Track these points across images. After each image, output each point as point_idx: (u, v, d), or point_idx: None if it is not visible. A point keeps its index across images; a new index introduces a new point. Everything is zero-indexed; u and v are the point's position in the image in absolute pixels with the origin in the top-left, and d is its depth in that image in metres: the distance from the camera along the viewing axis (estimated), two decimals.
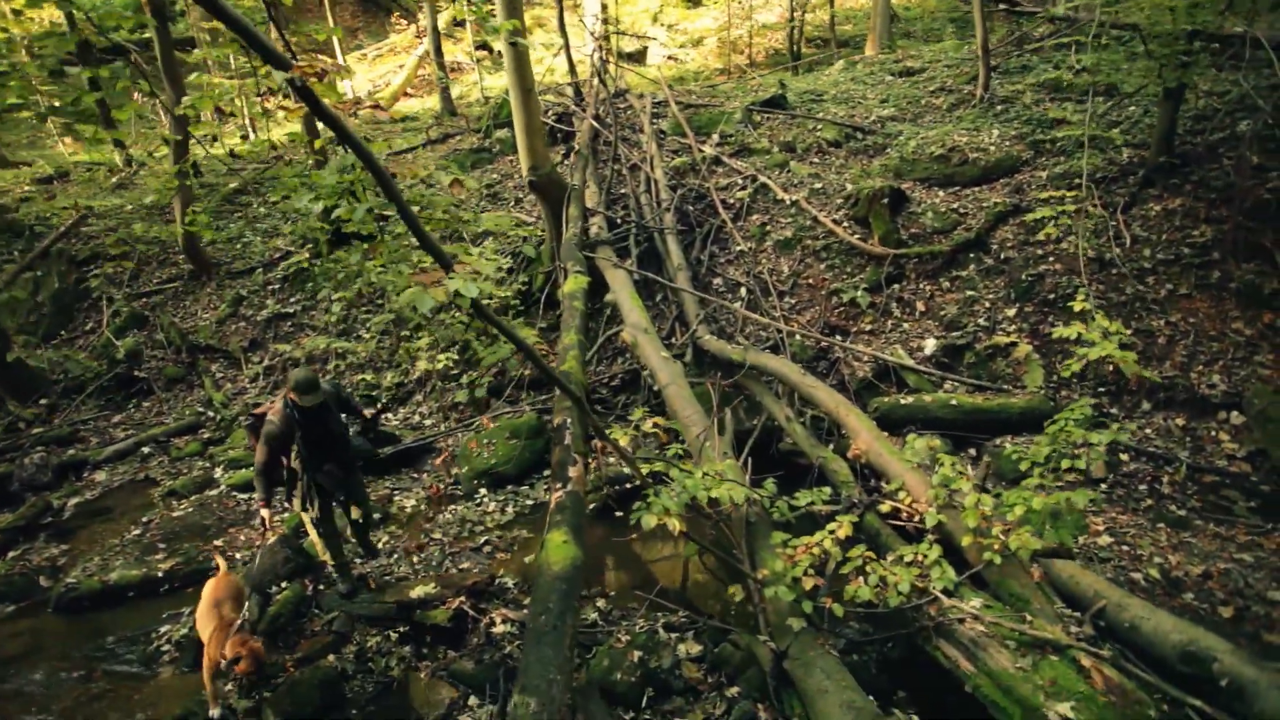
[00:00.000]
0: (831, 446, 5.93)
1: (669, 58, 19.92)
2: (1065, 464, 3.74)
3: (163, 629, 5.13)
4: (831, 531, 4.01)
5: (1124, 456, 6.04)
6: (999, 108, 9.28)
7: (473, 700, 4.32)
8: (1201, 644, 3.36)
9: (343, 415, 4.98)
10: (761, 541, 4.47)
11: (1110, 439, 3.69)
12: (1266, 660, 3.34)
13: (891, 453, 4.86)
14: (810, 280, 7.83)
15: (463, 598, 4.85)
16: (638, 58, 19.88)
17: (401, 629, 4.83)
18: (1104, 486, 5.74)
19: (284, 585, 5.14)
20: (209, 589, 4.40)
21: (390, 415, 8.25)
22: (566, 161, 9.37)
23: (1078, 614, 3.71)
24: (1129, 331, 6.68)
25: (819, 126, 9.72)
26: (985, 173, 8.16)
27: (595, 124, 9.48)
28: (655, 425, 3.93)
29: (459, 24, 22.04)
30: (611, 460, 6.99)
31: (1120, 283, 6.91)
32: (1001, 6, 11.05)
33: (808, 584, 3.73)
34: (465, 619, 4.81)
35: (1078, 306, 4.64)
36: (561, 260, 6.74)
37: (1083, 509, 3.80)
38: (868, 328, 7.39)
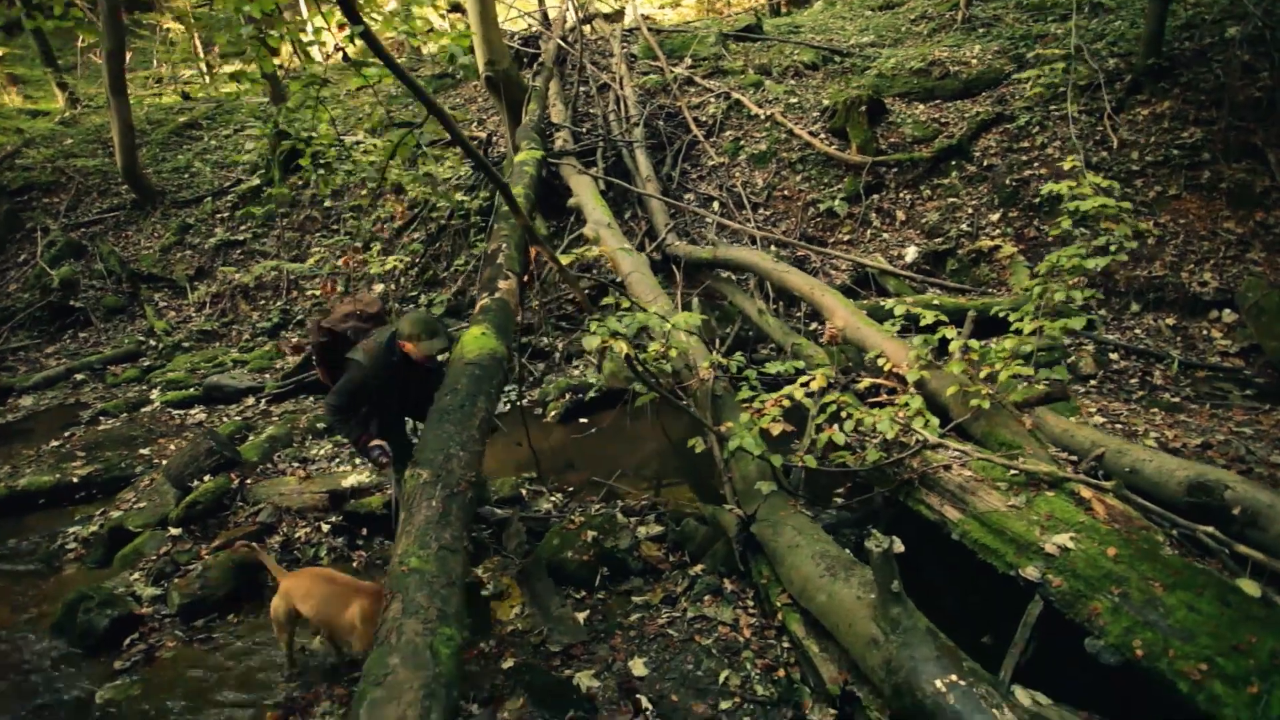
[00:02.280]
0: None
1: (645, 17, 19.46)
2: (1059, 296, 3.39)
3: (70, 529, 4.64)
4: (805, 384, 3.63)
5: (1114, 355, 5.76)
6: (981, 30, 8.97)
7: None
8: (1210, 476, 3.03)
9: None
10: (729, 415, 4.09)
11: (1106, 263, 3.34)
12: None
13: (869, 324, 4.50)
14: (786, 192, 7.46)
15: None
16: (615, 18, 19.43)
17: (334, 519, 4.39)
18: (1093, 383, 5.45)
19: (206, 478, 4.67)
20: (313, 581, 3.21)
21: None
22: (533, 82, 8.89)
23: (1074, 458, 3.37)
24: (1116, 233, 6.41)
25: (796, 50, 9.34)
26: (967, 86, 7.84)
27: (562, 43, 9.03)
28: (602, 254, 3.52)
29: None
30: (576, 371, 6.59)
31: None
32: None
33: (775, 430, 3.34)
34: None
35: (1067, 165, 4.29)
36: (516, 142, 6.30)
37: (1078, 336, 3.43)
38: (846, 237, 7.04)
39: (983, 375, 3.51)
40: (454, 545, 1.75)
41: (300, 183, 8.87)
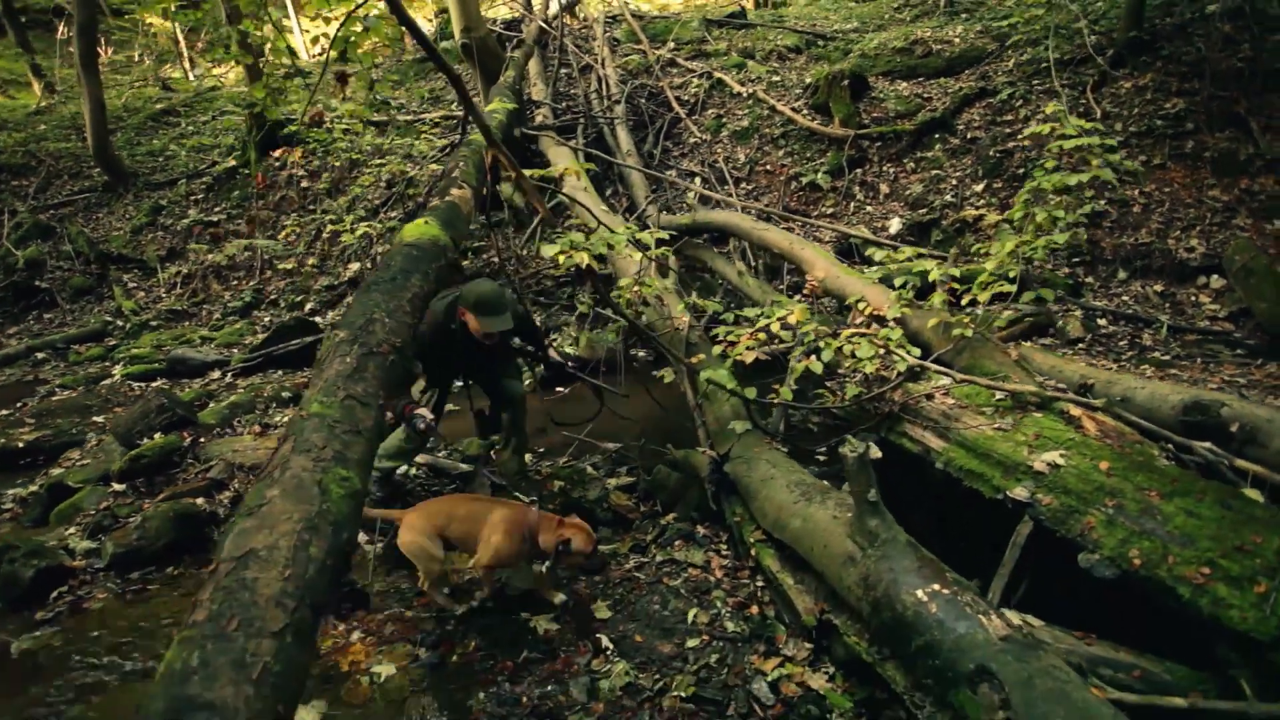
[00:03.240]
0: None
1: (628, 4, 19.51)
2: (1041, 217, 3.26)
3: (10, 491, 4.37)
4: (781, 318, 3.45)
5: (1102, 321, 5.64)
6: (963, 14, 8.96)
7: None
8: (1206, 396, 2.88)
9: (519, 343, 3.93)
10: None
11: (1092, 175, 3.22)
12: None
13: (850, 274, 4.37)
14: (768, 167, 7.35)
15: None
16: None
17: None
18: (1081, 345, 5.31)
19: (157, 436, 4.42)
20: (445, 503, 3.11)
21: (320, 319, 7.55)
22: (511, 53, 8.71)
23: (1063, 387, 3.20)
24: (1103, 201, 6.34)
25: (779, 35, 9.31)
26: (950, 64, 7.79)
27: (544, 25, 8.95)
28: (568, 188, 3.35)
29: None
30: (554, 343, 6.39)
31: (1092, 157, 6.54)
32: None
33: (749, 359, 3.16)
34: None
35: (1049, 109, 4.18)
36: (489, 98, 6.15)
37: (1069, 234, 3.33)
38: (829, 210, 6.92)
39: (964, 302, 3.36)
40: (365, 399, 1.55)
41: (277, 163, 8.70)
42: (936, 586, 2.10)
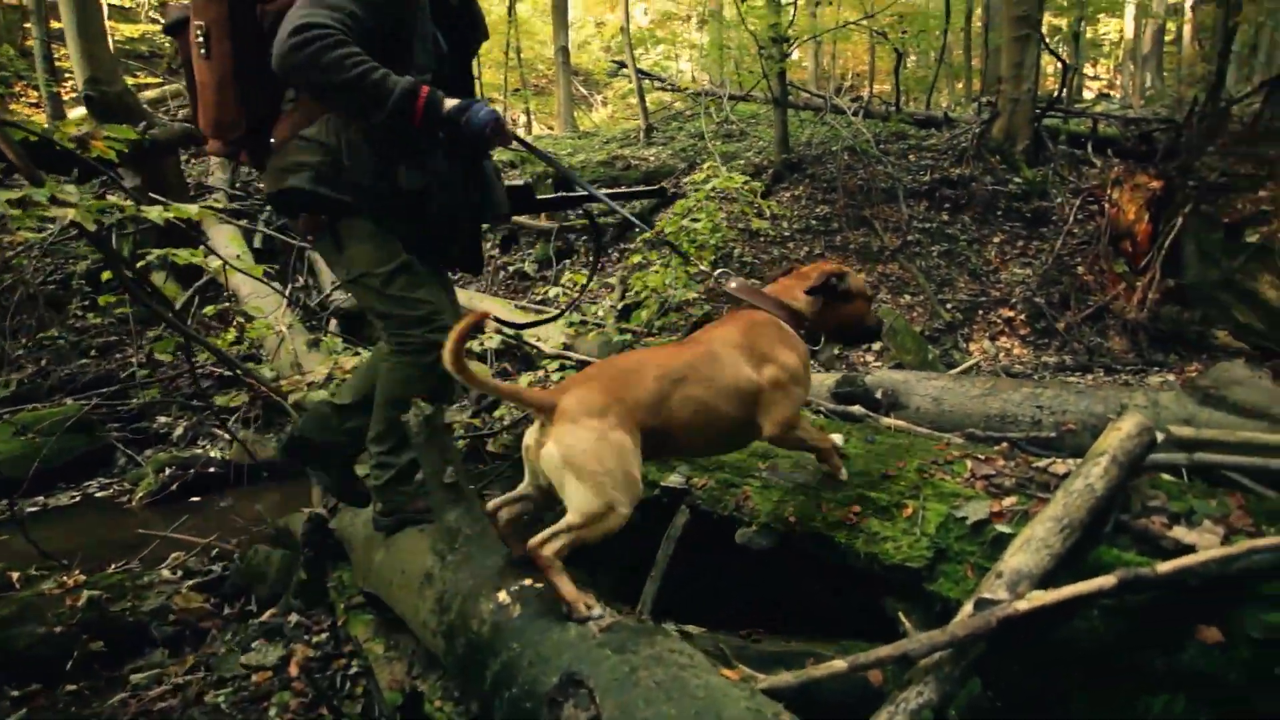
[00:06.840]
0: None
1: None
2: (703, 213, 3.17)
3: None
4: None
5: None
6: (658, 146, 10.08)
7: None
8: (852, 374, 2.78)
9: None
10: None
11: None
12: None
13: (514, 311, 3.96)
14: None
15: None
16: None
17: None
18: None
19: None
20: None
21: None
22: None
23: None
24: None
25: (497, 151, 9.55)
26: (647, 176, 8.49)
27: None
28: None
29: None
30: (202, 450, 4.95)
31: (768, 246, 7.33)
32: (657, 84, 12.62)
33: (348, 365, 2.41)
34: None
35: (706, 164, 4.44)
36: None
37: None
38: (539, 297, 6.70)
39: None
40: None
41: None
42: (528, 582, 1.43)
